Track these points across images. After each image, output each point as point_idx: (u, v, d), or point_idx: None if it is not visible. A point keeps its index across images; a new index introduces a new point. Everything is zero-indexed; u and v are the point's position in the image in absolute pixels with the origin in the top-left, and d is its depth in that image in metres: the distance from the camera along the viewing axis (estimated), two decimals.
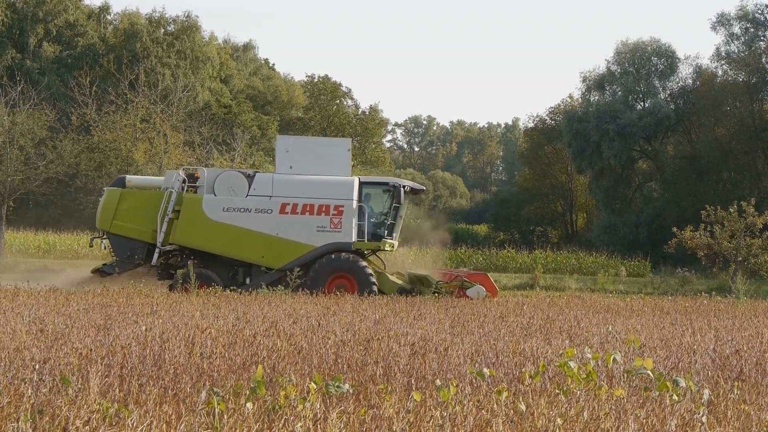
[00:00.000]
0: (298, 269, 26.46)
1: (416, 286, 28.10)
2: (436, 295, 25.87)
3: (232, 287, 24.90)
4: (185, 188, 27.58)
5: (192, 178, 27.98)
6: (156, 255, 27.20)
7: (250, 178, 27.65)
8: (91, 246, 30.93)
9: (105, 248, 28.38)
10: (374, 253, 28.70)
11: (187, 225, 27.13)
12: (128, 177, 29.35)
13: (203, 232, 27.13)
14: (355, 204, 27.56)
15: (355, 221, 27.54)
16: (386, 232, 28.22)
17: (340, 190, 27.58)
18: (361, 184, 28.09)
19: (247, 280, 27.29)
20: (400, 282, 28.23)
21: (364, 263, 27.40)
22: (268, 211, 27.26)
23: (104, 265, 28.07)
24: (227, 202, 27.19)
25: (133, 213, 27.53)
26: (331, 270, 27.10)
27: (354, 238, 27.52)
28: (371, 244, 27.98)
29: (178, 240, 27.24)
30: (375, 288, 26.90)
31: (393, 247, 28.73)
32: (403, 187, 28.25)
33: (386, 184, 28.75)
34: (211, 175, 27.82)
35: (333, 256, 27.19)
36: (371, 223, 28.05)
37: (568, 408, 7.44)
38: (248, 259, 27.39)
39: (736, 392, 8.71)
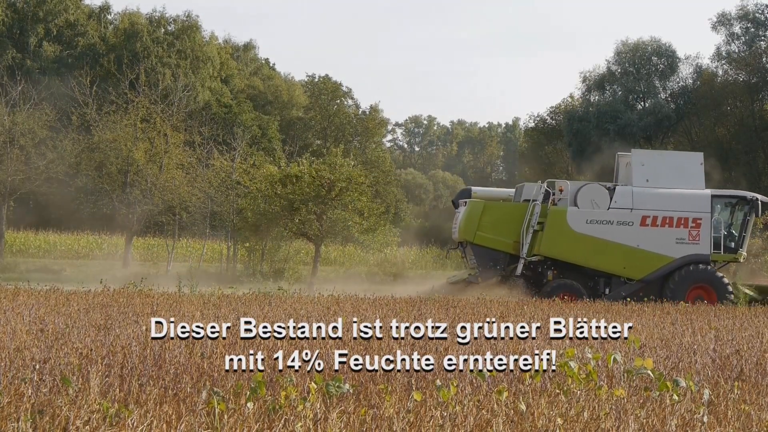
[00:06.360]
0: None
1: (766, 296, 28.66)
2: None
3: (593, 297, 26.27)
4: (549, 201, 28.57)
5: (553, 190, 28.92)
6: (520, 265, 28.09)
7: (611, 191, 28.54)
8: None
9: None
10: (717, 266, 29.14)
11: (552, 236, 28.14)
12: (474, 188, 30.73)
13: (567, 244, 28.15)
14: (711, 216, 28.45)
15: (711, 233, 28.37)
16: (737, 243, 29.07)
17: (698, 203, 28.48)
18: (712, 196, 28.90)
19: (607, 291, 28.13)
20: (750, 293, 28.79)
21: (722, 274, 28.29)
22: (629, 223, 28.24)
23: (469, 275, 29.14)
24: (590, 214, 28.23)
25: (496, 224, 28.66)
26: (692, 281, 27.99)
27: (711, 249, 28.34)
28: (727, 255, 28.90)
29: (543, 251, 28.17)
30: (732, 298, 27.61)
31: (744, 258, 29.74)
32: (761, 200, 29.05)
33: (742, 197, 29.49)
34: (574, 188, 28.76)
35: (692, 268, 28.03)
36: (723, 235, 28.86)
37: (569, 408, 7.43)
38: (609, 269, 28.29)
39: (736, 392, 8.70)
